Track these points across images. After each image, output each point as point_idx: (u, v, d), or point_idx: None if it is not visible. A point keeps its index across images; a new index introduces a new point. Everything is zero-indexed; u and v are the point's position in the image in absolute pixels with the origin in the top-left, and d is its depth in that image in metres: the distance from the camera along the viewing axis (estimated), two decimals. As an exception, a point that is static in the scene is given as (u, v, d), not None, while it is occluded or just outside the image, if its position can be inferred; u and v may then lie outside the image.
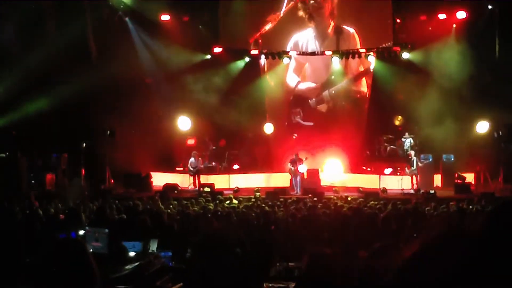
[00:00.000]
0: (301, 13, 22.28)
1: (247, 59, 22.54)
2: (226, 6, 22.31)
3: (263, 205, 13.36)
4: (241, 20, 22.07)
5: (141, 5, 21.39)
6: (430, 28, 21.57)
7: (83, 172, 19.19)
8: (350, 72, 22.90)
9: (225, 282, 2.07)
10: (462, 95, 19.56)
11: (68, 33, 18.66)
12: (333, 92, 23.13)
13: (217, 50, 22.12)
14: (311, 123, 23.19)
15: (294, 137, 22.84)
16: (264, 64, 23.05)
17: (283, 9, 22.31)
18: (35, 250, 5.61)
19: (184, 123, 22.45)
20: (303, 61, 23.14)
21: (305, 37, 22.56)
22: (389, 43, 21.50)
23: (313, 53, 22.27)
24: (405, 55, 21.48)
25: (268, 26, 22.50)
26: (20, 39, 18.50)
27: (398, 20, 21.40)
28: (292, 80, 23.53)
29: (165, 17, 22.16)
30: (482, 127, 20.33)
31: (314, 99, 23.29)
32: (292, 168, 19.84)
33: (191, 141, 21.85)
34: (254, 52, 22.18)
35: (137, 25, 22.15)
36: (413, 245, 0.84)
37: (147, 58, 22.29)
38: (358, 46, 21.89)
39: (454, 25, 21.32)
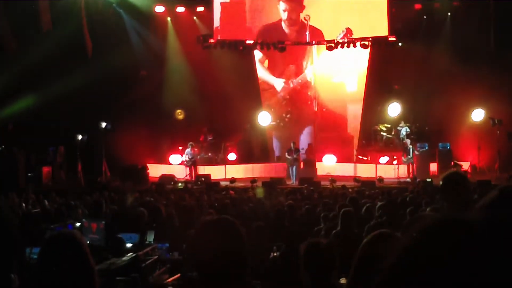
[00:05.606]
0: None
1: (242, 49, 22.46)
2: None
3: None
4: (236, 11, 21.98)
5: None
6: (425, 17, 21.55)
7: (80, 165, 19.19)
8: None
9: (222, 273, 2.08)
10: (458, 84, 19.55)
11: (64, 26, 18.57)
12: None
13: (212, 41, 22.03)
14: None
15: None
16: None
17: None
18: (32, 244, 5.61)
19: (179, 114, 22.40)
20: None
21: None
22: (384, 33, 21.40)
23: (309, 43, 22.12)
24: (400, 44, 21.46)
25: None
26: (15, 33, 18.41)
27: (393, 9, 21.32)
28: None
29: (159, 9, 22.11)
30: (478, 115, 20.33)
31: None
32: (289, 157, 19.82)
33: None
34: (249, 42, 22.06)
35: (131, 17, 22.08)
36: (410, 232, 0.84)
37: (142, 50, 22.23)
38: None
39: (449, 14, 21.31)
